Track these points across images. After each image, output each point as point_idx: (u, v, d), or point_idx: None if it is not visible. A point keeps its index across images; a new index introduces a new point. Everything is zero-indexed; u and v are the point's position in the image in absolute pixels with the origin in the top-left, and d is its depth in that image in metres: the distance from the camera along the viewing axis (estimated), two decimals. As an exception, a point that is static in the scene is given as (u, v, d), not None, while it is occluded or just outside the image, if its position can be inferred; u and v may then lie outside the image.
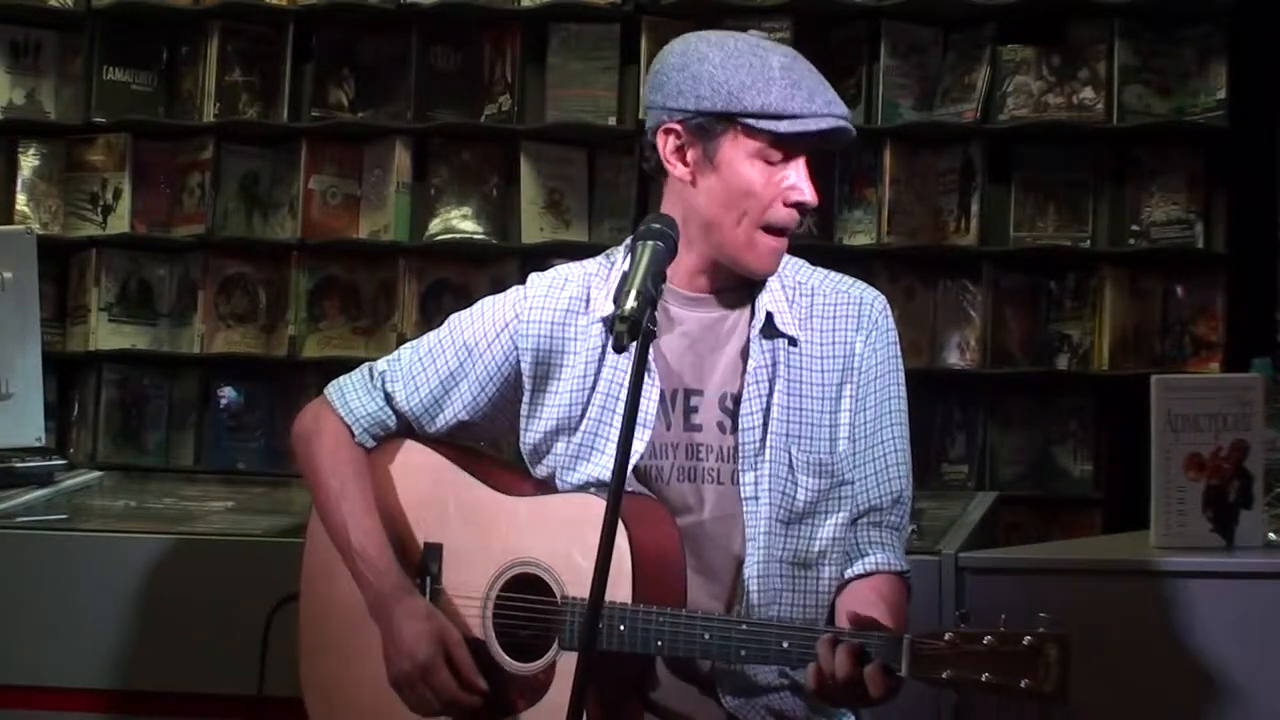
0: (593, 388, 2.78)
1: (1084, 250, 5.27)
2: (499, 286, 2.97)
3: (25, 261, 3.95)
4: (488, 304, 2.89)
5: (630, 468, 2.65)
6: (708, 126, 2.69)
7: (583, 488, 2.77)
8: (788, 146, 2.68)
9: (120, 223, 5.64)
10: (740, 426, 2.74)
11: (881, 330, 2.80)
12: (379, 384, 2.90)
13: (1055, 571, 3.38)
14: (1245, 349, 4.63)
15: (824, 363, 2.77)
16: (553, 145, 5.54)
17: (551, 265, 2.92)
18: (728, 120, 2.68)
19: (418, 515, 2.85)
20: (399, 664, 2.74)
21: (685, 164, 2.72)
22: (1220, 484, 3.30)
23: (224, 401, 5.63)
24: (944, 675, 2.43)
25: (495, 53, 5.56)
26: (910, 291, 5.32)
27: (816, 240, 5.27)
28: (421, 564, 2.82)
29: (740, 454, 2.73)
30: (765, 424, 2.73)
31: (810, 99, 2.67)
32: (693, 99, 2.69)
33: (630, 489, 2.67)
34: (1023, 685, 2.39)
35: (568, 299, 2.83)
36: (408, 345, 2.94)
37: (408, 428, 2.91)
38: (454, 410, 2.87)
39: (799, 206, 2.71)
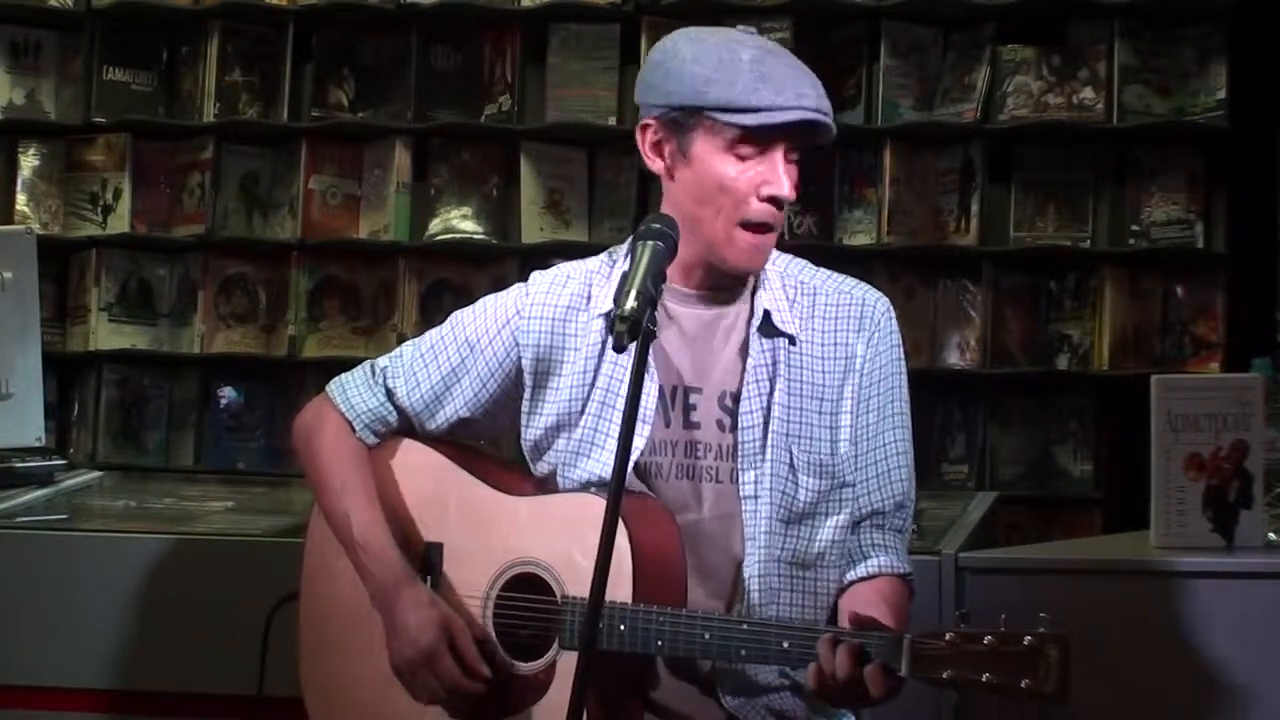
0: (592, 384, 2.78)
1: (1084, 250, 5.27)
2: (499, 286, 2.97)
3: (25, 261, 3.95)
4: (490, 301, 2.89)
5: (630, 466, 2.65)
6: (680, 121, 2.69)
7: (584, 487, 2.77)
8: (759, 140, 2.67)
9: (120, 223, 5.64)
10: (740, 425, 2.74)
11: (884, 333, 2.79)
12: (380, 380, 2.91)
13: (1055, 571, 3.38)
14: (1245, 349, 4.63)
15: (825, 363, 2.77)
16: (553, 145, 5.54)
17: (553, 265, 2.92)
18: (697, 114, 2.68)
19: (419, 514, 2.85)
20: (402, 652, 2.74)
21: (662, 159, 2.73)
22: (1220, 484, 3.30)
23: (224, 401, 5.63)
24: (944, 675, 2.43)
25: (495, 53, 5.56)
26: (910, 291, 5.32)
27: (816, 240, 5.28)
28: (422, 563, 2.82)
29: (740, 452, 2.73)
30: (766, 423, 2.73)
31: (778, 92, 2.65)
32: (665, 94, 2.71)
33: (630, 488, 2.67)
34: (1023, 685, 2.39)
35: (569, 296, 2.83)
36: (409, 342, 2.95)
37: (408, 425, 2.91)
38: (454, 407, 2.88)
39: (774, 201, 2.69)
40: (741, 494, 2.73)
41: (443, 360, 2.88)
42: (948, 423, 5.32)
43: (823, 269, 2.86)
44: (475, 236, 5.54)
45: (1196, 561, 3.26)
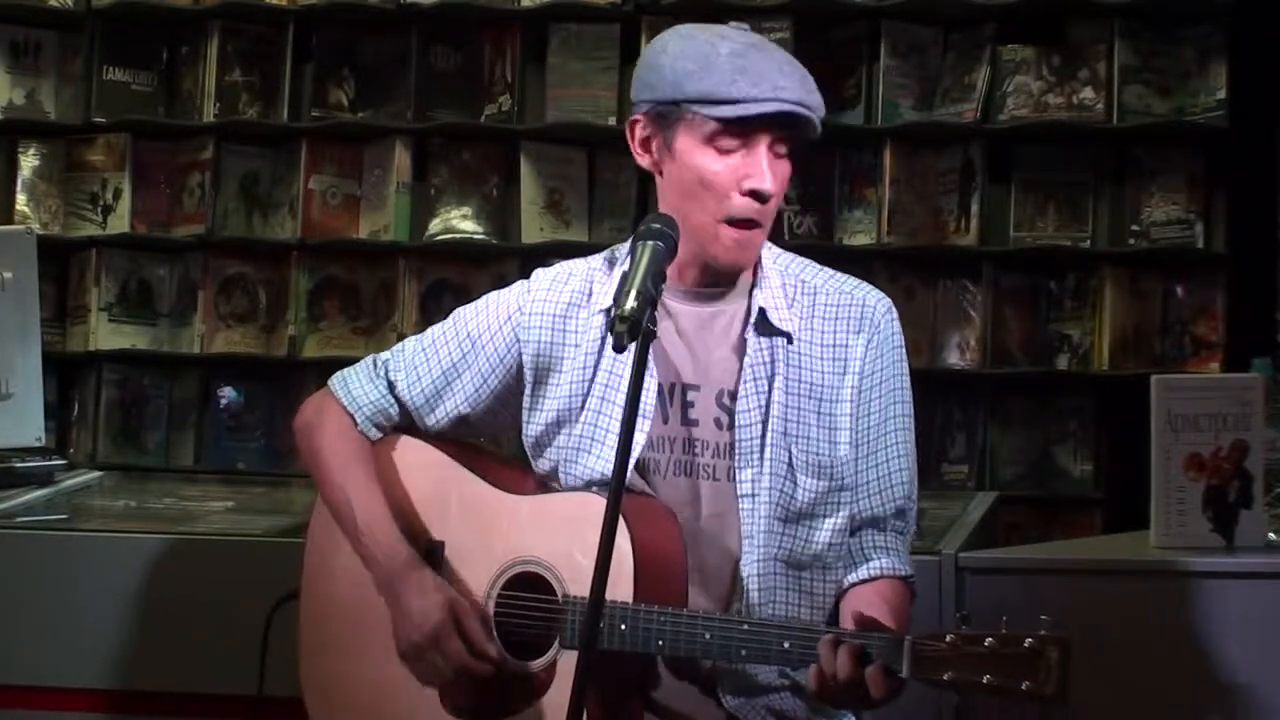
0: (592, 379, 2.79)
1: (1084, 250, 5.27)
2: (499, 286, 2.97)
3: (25, 261, 3.94)
4: (492, 298, 2.90)
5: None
6: (664, 115, 2.70)
7: (585, 485, 2.77)
8: (739, 133, 2.67)
9: (120, 223, 5.64)
10: (736, 423, 2.73)
11: (885, 335, 2.79)
12: (382, 373, 2.91)
13: (1055, 571, 3.38)
14: (1245, 349, 4.63)
15: (823, 363, 2.76)
16: (553, 145, 5.54)
17: (554, 264, 2.93)
18: (678, 108, 2.68)
19: (420, 513, 2.85)
20: (409, 636, 2.74)
21: (650, 155, 2.74)
22: (1220, 484, 3.30)
23: (224, 401, 5.63)
24: (945, 677, 2.43)
25: (495, 53, 5.56)
26: (910, 291, 5.32)
27: (816, 240, 5.28)
28: (424, 561, 2.82)
29: (737, 451, 2.73)
30: (765, 421, 2.73)
31: (754, 84, 2.64)
32: (650, 89, 2.72)
33: (631, 486, 2.67)
34: (1023, 687, 2.40)
35: (570, 293, 2.84)
36: (412, 337, 2.95)
37: (409, 419, 2.91)
38: (454, 402, 2.88)
39: (756, 195, 2.68)
40: (739, 492, 2.73)
41: (444, 355, 2.88)
42: (948, 423, 5.32)
43: (826, 268, 2.85)
44: (475, 236, 5.54)
45: (1196, 561, 3.26)
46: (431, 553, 2.83)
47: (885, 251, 5.29)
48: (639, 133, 2.75)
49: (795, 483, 2.73)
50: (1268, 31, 5.11)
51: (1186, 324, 5.22)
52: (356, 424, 2.90)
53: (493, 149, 5.58)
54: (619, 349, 2.49)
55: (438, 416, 2.90)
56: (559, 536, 2.72)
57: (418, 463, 2.89)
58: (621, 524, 2.51)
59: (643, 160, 2.76)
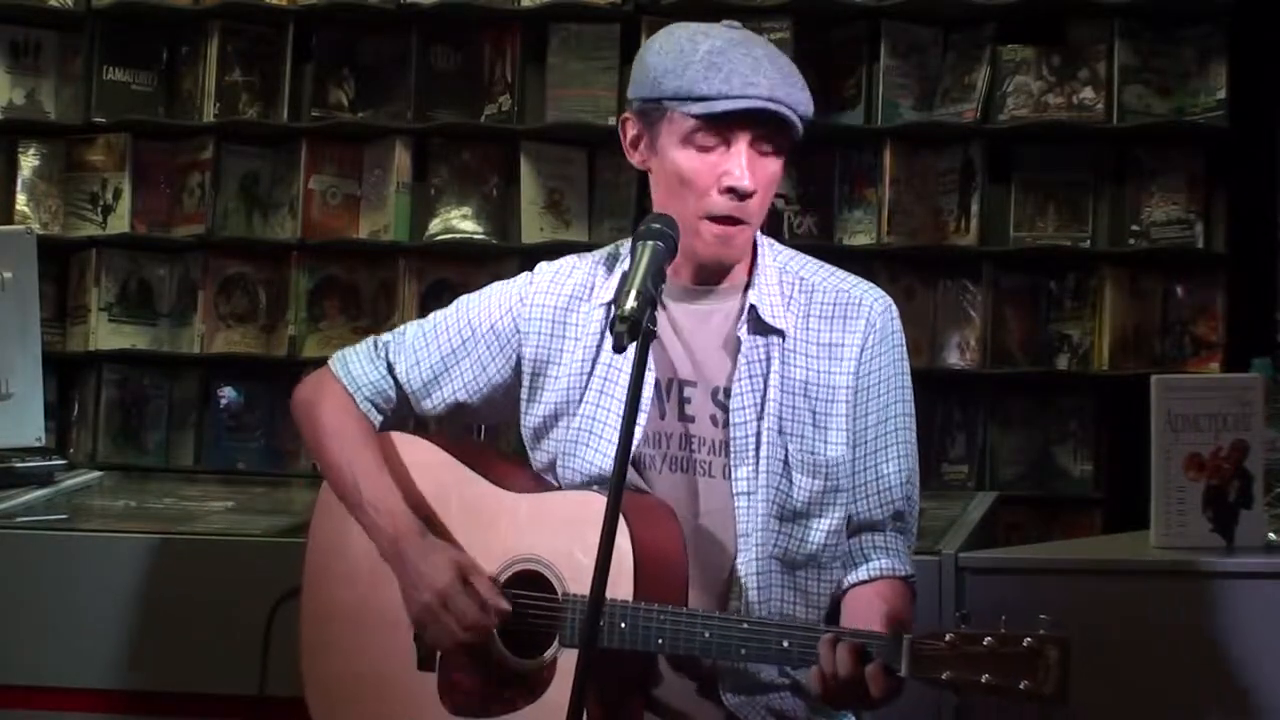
0: (591, 373, 2.79)
1: (1084, 250, 5.27)
2: (500, 286, 2.97)
3: (25, 261, 3.94)
4: (495, 288, 2.91)
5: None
6: (648, 113, 2.72)
7: (585, 483, 2.77)
8: (716, 131, 2.67)
9: (120, 223, 5.64)
10: (731, 421, 2.73)
11: (883, 334, 2.78)
12: (382, 354, 2.92)
13: (1055, 571, 3.38)
14: (1245, 349, 4.63)
15: (818, 362, 2.76)
16: (553, 145, 5.54)
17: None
18: (659, 105, 2.69)
19: (423, 511, 2.84)
20: (419, 597, 2.74)
21: (639, 152, 2.75)
22: (1220, 484, 3.30)
23: (224, 401, 5.63)
24: (943, 676, 2.43)
25: (495, 53, 5.56)
26: (910, 291, 5.32)
27: (816, 240, 5.28)
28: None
29: (732, 448, 2.73)
30: (760, 419, 2.73)
31: (726, 81, 2.65)
32: (636, 87, 2.74)
33: (632, 485, 2.67)
34: (1022, 687, 2.39)
35: (573, 286, 2.85)
36: (414, 321, 2.96)
37: (406, 403, 2.92)
38: (452, 388, 2.89)
39: (734, 192, 2.68)
40: (735, 490, 2.73)
41: (443, 341, 2.89)
42: (948, 423, 5.32)
43: (827, 265, 2.84)
44: (475, 236, 5.54)
45: (1196, 561, 3.26)
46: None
47: (885, 251, 5.29)
48: (629, 131, 2.76)
49: (791, 481, 2.73)
50: (1268, 31, 5.12)
51: (1186, 324, 5.22)
52: (356, 404, 2.90)
53: (493, 149, 5.58)
54: (619, 349, 2.49)
55: (434, 402, 2.90)
56: (560, 535, 2.72)
57: (419, 461, 2.89)
58: (622, 523, 2.51)
59: (633, 158, 2.77)
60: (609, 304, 2.76)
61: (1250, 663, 3.19)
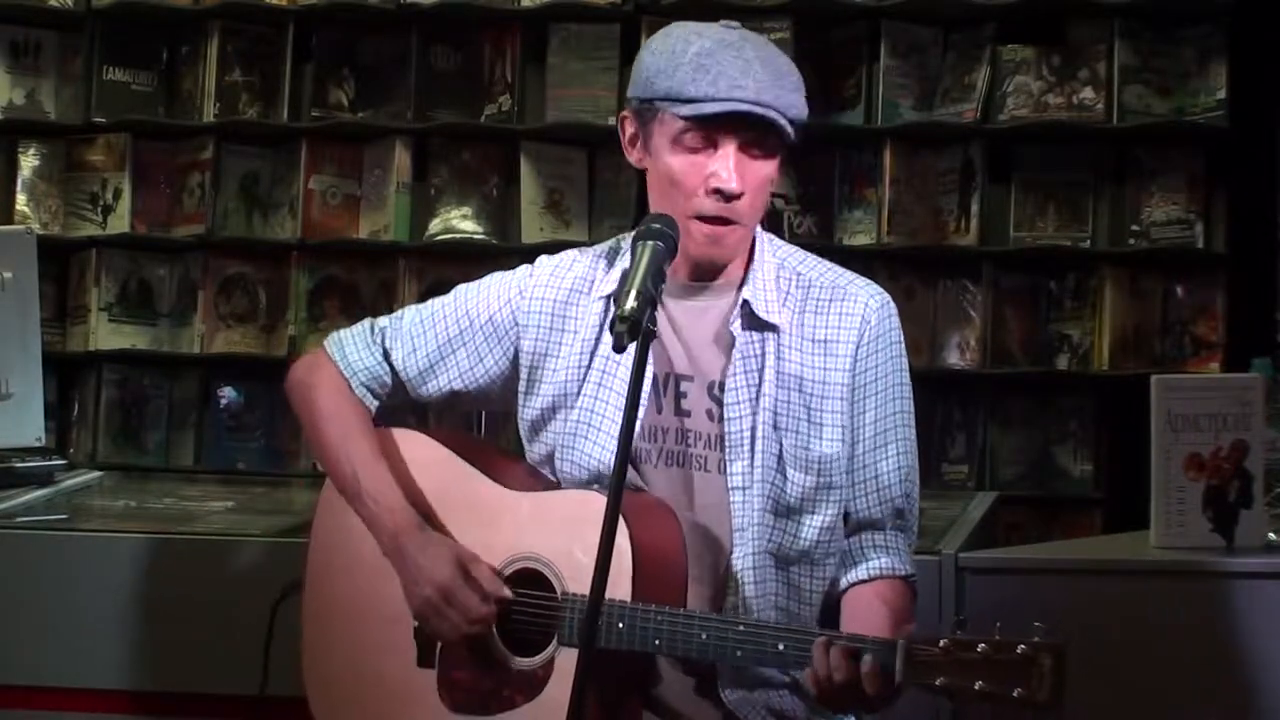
0: (589, 365, 2.79)
1: (1084, 250, 5.27)
2: (499, 287, 2.97)
3: (25, 261, 3.95)
4: (495, 279, 2.91)
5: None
6: (643, 113, 2.73)
7: (585, 482, 2.77)
8: (703, 133, 2.67)
9: (120, 223, 5.64)
10: (725, 416, 2.73)
11: (879, 331, 2.77)
12: (379, 340, 2.92)
13: (1055, 571, 3.38)
14: (1245, 349, 4.63)
15: (813, 358, 2.76)
16: (553, 145, 5.54)
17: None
18: (651, 106, 2.70)
19: (423, 507, 2.85)
20: (421, 593, 2.74)
21: (636, 151, 2.76)
22: (1220, 484, 3.30)
23: (224, 401, 5.63)
24: (938, 682, 2.43)
25: (495, 53, 5.56)
26: (910, 291, 5.32)
27: (816, 240, 5.28)
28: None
29: (727, 443, 2.73)
30: (754, 414, 2.73)
31: (713, 83, 2.65)
32: (632, 86, 2.76)
33: (630, 483, 2.67)
34: (1016, 694, 2.39)
35: (573, 279, 2.85)
36: (412, 307, 2.96)
37: (402, 389, 2.91)
38: (448, 378, 2.89)
39: (720, 194, 2.68)
40: (730, 485, 2.73)
41: (441, 330, 2.89)
42: (948, 423, 5.32)
43: (825, 262, 2.84)
44: (475, 236, 5.54)
45: (1196, 561, 3.26)
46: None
47: (885, 251, 5.30)
48: (627, 129, 2.77)
49: (785, 477, 2.73)
50: (1268, 31, 5.12)
51: (1186, 324, 5.22)
52: (351, 388, 2.90)
53: (493, 149, 5.58)
54: (619, 349, 2.49)
55: (430, 390, 2.90)
56: (560, 534, 2.72)
57: (420, 457, 2.89)
58: (621, 523, 2.51)
59: (631, 157, 2.78)
60: (608, 297, 2.77)
61: (1250, 663, 3.20)
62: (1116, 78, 5.21)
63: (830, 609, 2.78)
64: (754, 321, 2.75)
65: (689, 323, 2.78)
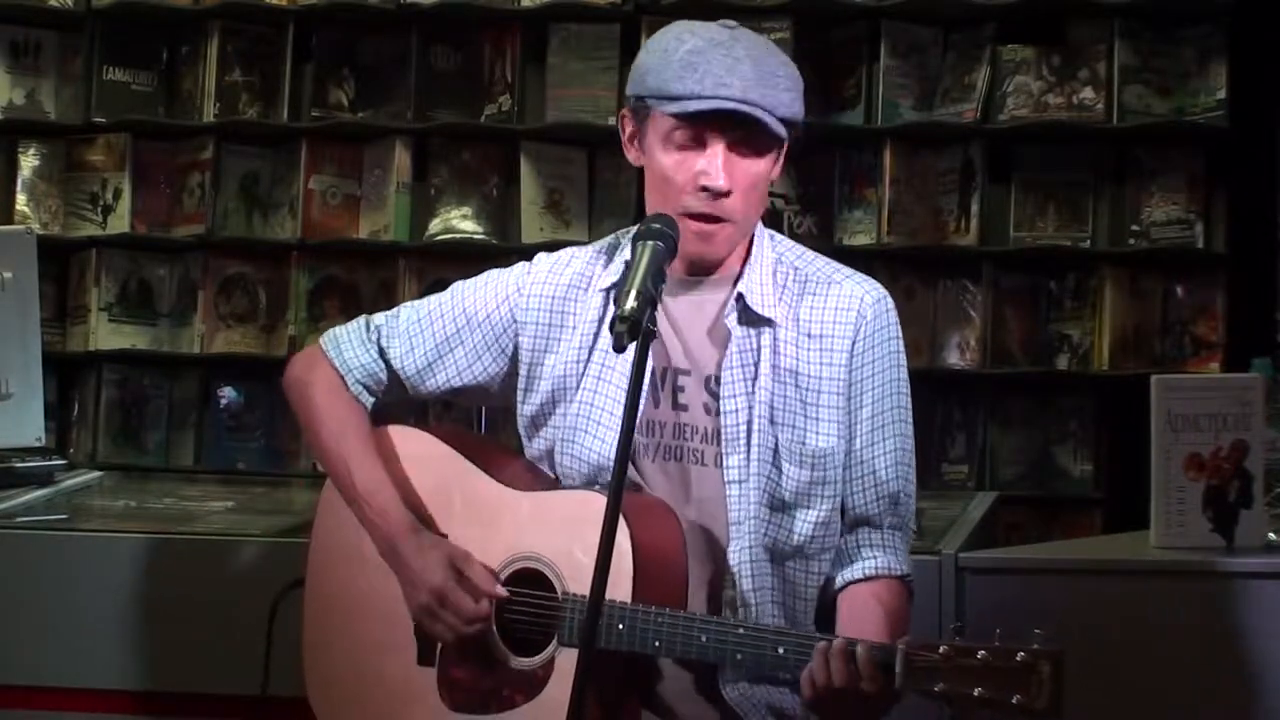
0: (588, 359, 2.80)
1: (1084, 250, 5.27)
2: (499, 287, 2.97)
3: (25, 261, 3.95)
4: (492, 276, 2.91)
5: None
6: (637, 110, 2.75)
7: (583, 473, 2.77)
8: (691, 130, 2.68)
9: (120, 223, 5.64)
10: (721, 409, 2.74)
11: (875, 328, 2.77)
12: (374, 338, 2.92)
13: (1055, 571, 3.38)
14: (1245, 349, 4.63)
15: (808, 353, 2.76)
16: (553, 145, 5.54)
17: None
18: (643, 103, 2.72)
19: (423, 506, 2.85)
20: (417, 597, 2.75)
21: (634, 149, 2.78)
22: (1220, 484, 3.30)
23: (224, 401, 5.63)
24: (937, 688, 2.43)
25: (495, 53, 5.56)
26: (910, 291, 5.32)
27: (816, 240, 5.28)
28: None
29: (723, 436, 2.73)
30: (750, 407, 2.73)
31: (699, 81, 2.66)
32: (629, 84, 2.78)
33: (630, 480, 2.68)
34: (1015, 701, 2.39)
35: (571, 275, 2.85)
36: (408, 305, 2.96)
37: (399, 386, 2.92)
38: (446, 375, 2.89)
39: (708, 191, 2.68)
40: (726, 479, 2.73)
41: (439, 328, 2.89)
42: (948, 423, 5.32)
43: (823, 258, 2.84)
44: (475, 236, 5.54)
45: (1196, 561, 3.26)
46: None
47: (885, 251, 5.29)
48: (626, 127, 2.79)
49: (781, 470, 2.73)
50: (1268, 31, 5.12)
51: (1186, 324, 5.22)
52: (348, 386, 2.91)
53: (493, 149, 5.58)
54: (619, 349, 2.49)
55: (429, 387, 2.91)
56: (560, 534, 2.72)
57: (421, 455, 2.89)
58: (622, 523, 2.51)
59: (630, 154, 2.79)
60: (607, 290, 2.78)
61: (1250, 663, 3.20)
62: (1116, 78, 5.21)
63: (826, 607, 2.78)
64: (749, 315, 2.76)
65: (686, 317, 2.78)
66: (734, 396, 2.73)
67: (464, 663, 2.77)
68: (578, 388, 2.80)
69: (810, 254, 2.84)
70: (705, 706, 2.73)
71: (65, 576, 3.55)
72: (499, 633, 2.75)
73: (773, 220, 4.75)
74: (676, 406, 2.77)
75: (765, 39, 2.78)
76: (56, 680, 3.54)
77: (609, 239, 2.89)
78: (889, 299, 2.81)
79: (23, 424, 3.92)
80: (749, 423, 2.73)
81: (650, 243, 2.57)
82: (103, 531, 3.66)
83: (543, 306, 2.84)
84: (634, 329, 2.45)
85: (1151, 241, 5.23)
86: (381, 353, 2.91)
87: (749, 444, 2.73)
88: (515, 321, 2.85)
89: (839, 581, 2.78)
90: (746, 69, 2.66)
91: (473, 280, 2.93)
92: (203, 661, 3.48)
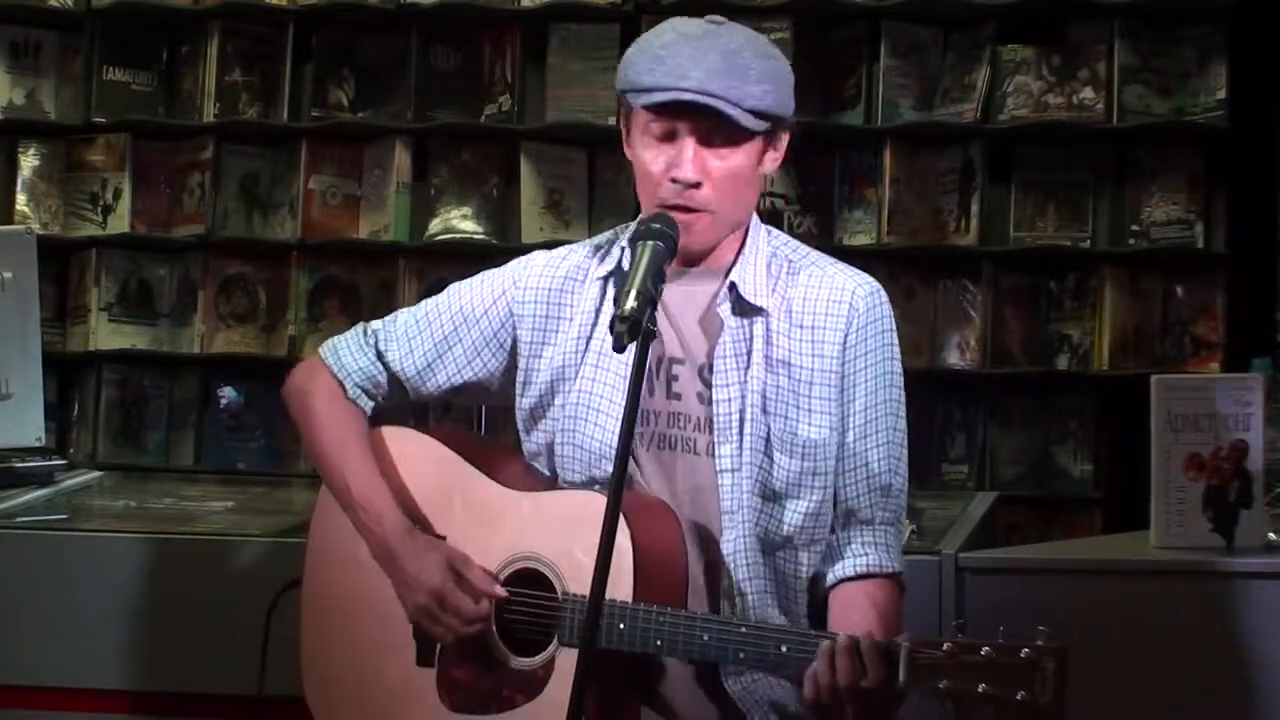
0: (586, 349, 2.80)
1: (1084, 250, 5.27)
2: (499, 286, 2.97)
3: (25, 261, 3.95)
4: (488, 275, 2.92)
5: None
6: (622, 105, 2.77)
7: (583, 463, 2.78)
8: (661, 123, 2.70)
9: (120, 223, 5.64)
10: (714, 398, 2.74)
11: (867, 321, 2.77)
12: (372, 342, 2.93)
13: (1055, 571, 3.38)
14: (1245, 349, 4.63)
15: (800, 344, 2.75)
16: (553, 145, 5.54)
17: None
18: (623, 97, 2.74)
19: (422, 507, 2.85)
20: (415, 600, 2.75)
21: (626, 145, 2.80)
22: (1220, 484, 3.30)
23: (224, 401, 5.63)
24: (941, 685, 2.43)
25: (495, 53, 5.56)
26: (910, 291, 5.32)
27: (817, 240, 5.28)
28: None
29: (715, 426, 2.74)
30: (743, 396, 2.73)
31: (667, 73, 2.68)
32: (616, 81, 2.80)
33: (632, 483, 2.67)
34: (1019, 698, 2.39)
35: (567, 268, 2.86)
36: (405, 309, 2.96)
37: (400, 389, 2.92)
38: (446, 375, 2.89)
39: (678, 182, 2.69)
40: (718, 468, 2.73)
41: (436, 328, 2.90)
42: (948, 423, 5.32)
43: (817, 252, 2.85)
44: (475, 236, 5.54)
45: (1196, 561, 3.26)
46: (432, 549, 2.83)
47: (885, 251, 5.29)
48: (623, 124, 2.80)
49: (772, 460, 2.73)
50: (1268, 31, 5.12)
51: (1186, 324, 5.22)
52: (346, 391, 2.91)
53: (493, 149, 5.58)
54: (619, 349, 2.50)
55: (430, 388, 2.91)
56: (560, 534, 2.72)
57: (420, 456, 2.89)
58: (622, 523, 2.51)
59: (626, 151, 2.80)
60: (604, 279, 2.79)
61: (1250, 663, 3.20)
62: (1116, 78, 5.21)
63: (818, 604, 2.78)
64: (742, 305, 2.76)
65: (680, 305, 2.78)
66: (726, 385, 2.74)
67: (464, 663, 2.77)
68: (576, 377, 2.80)
69: (805, 248, 2.85)
70: (706, 704, 2.73)
71: (65, 576, 3.55)
72: (499, 633, 2.75)
73: (773, 220, 4.75)
74: (671, 395, 2.77)
75: (757, 35, 2.78)
76: (56, 680, 3.54)
77: (605, 234, 2.90)
78: (882, 292, 2.80)
79: (23, 424, 3.93)
80: (741, 412, 2.73)
81: (650, 242, 2.58)
82: (103, 531, 3.67)
83: (539, 299, 2.85)
84: (634, 329, 2.45)
85: (1151, 241, 5.23)
86: (380, 356, 2.92)
87: (741, 433, 2.73)
88: (513, 315, 2.86)
89: (830, 578, 2.77)
90: (714, 60, 2.67)
91: (468, 280, 2.93)
92: (201, 661, 3.49)
